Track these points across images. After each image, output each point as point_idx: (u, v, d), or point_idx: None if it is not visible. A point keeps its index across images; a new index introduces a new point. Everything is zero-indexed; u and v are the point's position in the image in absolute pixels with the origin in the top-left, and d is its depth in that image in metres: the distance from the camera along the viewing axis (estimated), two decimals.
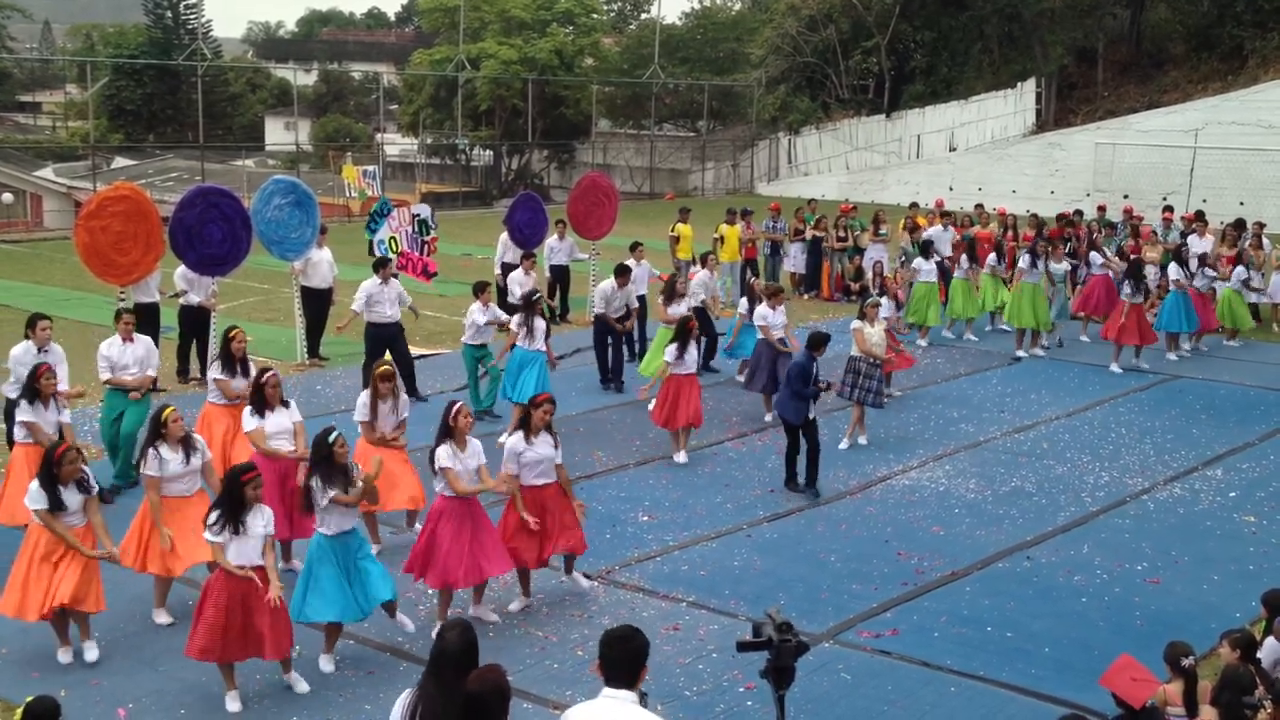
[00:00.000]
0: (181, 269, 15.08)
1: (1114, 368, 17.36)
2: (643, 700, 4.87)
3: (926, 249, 18.72)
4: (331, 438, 8.20)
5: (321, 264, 16.81)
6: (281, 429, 9.68)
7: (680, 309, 14.57)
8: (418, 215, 17.72)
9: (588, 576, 9.72)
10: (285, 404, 9.83)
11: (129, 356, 11.58)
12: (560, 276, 19.84)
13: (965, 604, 9.53)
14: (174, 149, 48.36)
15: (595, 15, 53.20)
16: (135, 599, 9.24)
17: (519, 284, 16.10)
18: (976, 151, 40.48)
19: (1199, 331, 18.69)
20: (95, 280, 14.96)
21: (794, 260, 22.99)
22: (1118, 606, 9.53)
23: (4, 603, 8.29)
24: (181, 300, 15.33)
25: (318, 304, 16.93)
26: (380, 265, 15.07)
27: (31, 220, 38.63)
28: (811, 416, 11.96)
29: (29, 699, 5.64)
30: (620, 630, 4.95)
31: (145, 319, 14.53)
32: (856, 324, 13.62)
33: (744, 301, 15.70)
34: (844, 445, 13.52)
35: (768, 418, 14.45)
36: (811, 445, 11.96)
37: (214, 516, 7.72)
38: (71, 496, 8.19)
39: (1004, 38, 42.49)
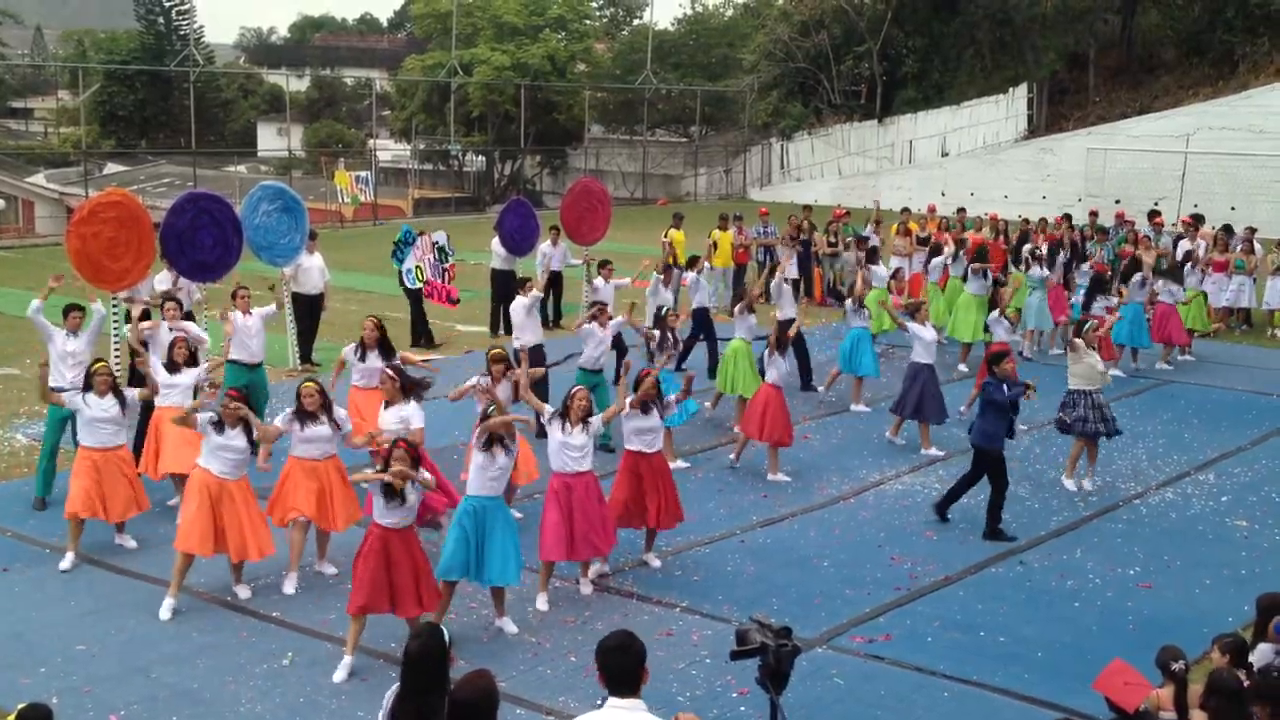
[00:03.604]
0: (161, 274, 15.02)
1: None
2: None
3: (874, 255, 18.60)
4: (490, 408, 8.97)
5: (312, 270, 16.82)
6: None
7: (750, 319, 14.19)
8: (436, 243, 18.10)
9: (591, 582, 9.86)
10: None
11: (253, 327, 12.89)
12: (554, 282, 19.84)
13: (958, 609, 9.54)
14: (166, 155, 48.26)
15: (588, 21, 53.20)
16: (130, 605, 9.24)
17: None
18: (969, 157, 40.57)
19: (1169, 344, 18.20)
20: (88, 286, 14.91)
21: (790, 265, 22.97)
22: (1110, 611, 9.54)
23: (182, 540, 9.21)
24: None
25: (309, 310, 16.93)
26: (521, 283, 14.63)
27: (23, 226, 38.51)
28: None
29: (21, 706, 5.62)
30: (614, 639, 4.94)
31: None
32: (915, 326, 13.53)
33: (849, 303, 15.77)
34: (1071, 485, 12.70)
35: (931, 450, 13.62)
36: (999, 485, 11.17)
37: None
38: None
39: (995, 43, 42.58)
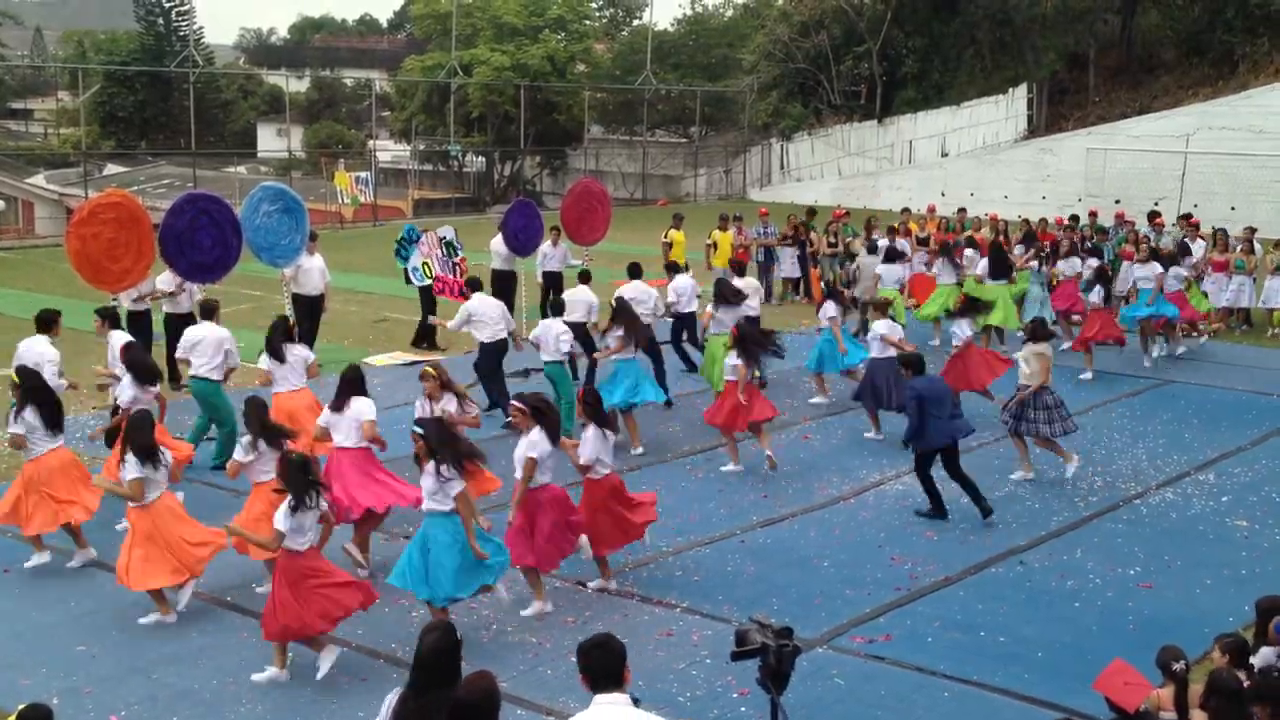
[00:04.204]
0: (164, 275, 15.04)
1: (1085, 375, 17.01)
2: (635, 704, 4.90)
3: (892, 255, 18.61)
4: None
5: (313, 271, 16.81)
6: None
7: (726, 315, 14.27)
8: (444, 238, 18.09)
9: (582, 584, 9.87)
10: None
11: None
12: (554, 283, 19.83)
13: (958, 609, 9.54)
14: (166, 156, 48.30)
15: (587, 21, 53.21)
16: (130, 605, 9.23)
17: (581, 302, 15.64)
18: (968, 157, 40.57)
19: (1178, 322, 18.55)
20: (87, 287, 14.92)
21: (788, 265, 23.03)
22: (1110, 611, 9.54)
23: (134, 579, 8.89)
24: (166, 308, 15.34)
25: (309, 311, 16.93)
26: (474, 285, 15.05)
27: (23, 227, 38.54)
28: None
29: (21, 706, 5.63)
30: (594, 639, 5.05)
31: (136, 327, 14.56)
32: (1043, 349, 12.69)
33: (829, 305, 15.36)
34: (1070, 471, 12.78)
35: (869, 435, 14.06)
36: (958, 477, 11.40)
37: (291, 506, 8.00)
38: None
39: (995, 43, 42.59)
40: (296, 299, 16.75)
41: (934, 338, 18.90)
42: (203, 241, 14.62)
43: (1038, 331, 12.61)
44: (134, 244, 13.82)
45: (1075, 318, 18.78)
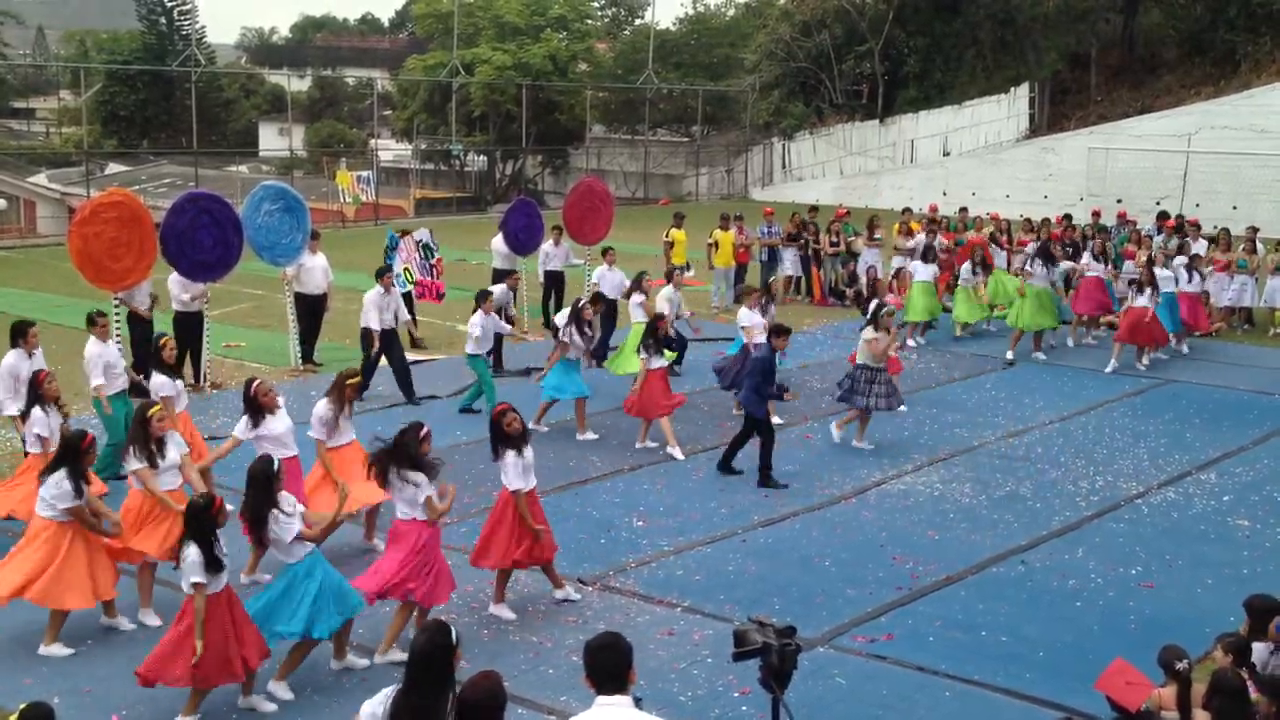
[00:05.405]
0: (174, 276, 15.07)
1: (1111, 366, 17.60)
2: (638, 704, 4.90)
3: (927, 253, 18.80)
4: (275, 466, 8.00)
5: (315, 270, 16.82)
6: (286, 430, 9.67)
7: (638, 301, 15.02)
8: (420, 241, 18.08)
9: (583, 582, 9.84)
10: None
11: (112, 356, 11.90)
12: (555, 282, 19.84)
13: (960, 608, 9.54)
14: (168, 155, 48.29)
15: (589, 20, 53.17)
16: (132, 605, 9.22)
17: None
18: (970, 156, 40.55)
19: (1187, 331, 18.98)
20: (89, 286, 14.94)
21: (789, 264, 23.04)
22: (1112, 610, 9.54)
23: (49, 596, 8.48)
24: (176, 307, 15.36)
25: (311, 310, 16.93)
26: (381, 274, 15.42)
27: (25, 226, 38.50)
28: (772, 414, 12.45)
29: (23, 705, 5.63)
30: (602, 638, 5.04)
31: (139, 326, 14.58)
32: (870, 333, 13.47)
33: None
34: (837, 438, 13.75)
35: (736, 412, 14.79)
36: (765, 438, 12.30)
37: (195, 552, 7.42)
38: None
39: (997, 43, 42.57)
40: (299, 298, 16.78)
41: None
42: (204, 240, 14.65)
43: (876, 320, 13.57)
44: (135, 243, 13.84)
45: (1111, 317, 19.07)
